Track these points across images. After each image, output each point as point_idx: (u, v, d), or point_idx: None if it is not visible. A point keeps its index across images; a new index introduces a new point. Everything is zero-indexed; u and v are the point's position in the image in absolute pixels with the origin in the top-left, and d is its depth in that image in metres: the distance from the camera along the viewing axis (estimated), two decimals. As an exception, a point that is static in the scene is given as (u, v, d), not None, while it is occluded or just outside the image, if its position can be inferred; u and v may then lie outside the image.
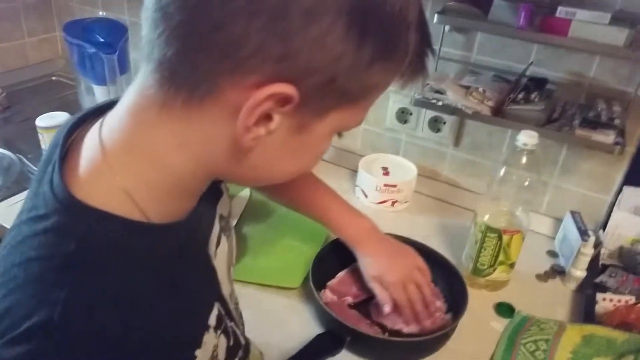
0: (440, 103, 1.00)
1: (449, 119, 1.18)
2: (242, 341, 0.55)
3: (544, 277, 1.02)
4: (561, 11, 0.90)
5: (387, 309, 0.83)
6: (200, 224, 0.50)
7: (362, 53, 0.37)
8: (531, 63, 1.03)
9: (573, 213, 1.07)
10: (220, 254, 0.54)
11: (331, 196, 0.88)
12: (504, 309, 0.92)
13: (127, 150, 0.41)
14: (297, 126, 0.40)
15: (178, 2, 0.36)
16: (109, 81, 1.26)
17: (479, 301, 0.93)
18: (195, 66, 0.37)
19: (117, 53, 1.24)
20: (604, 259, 1.03)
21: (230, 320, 0.52)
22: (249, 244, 1.01)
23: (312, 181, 0.89)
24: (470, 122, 1.16)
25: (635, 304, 0.88)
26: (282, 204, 0.95)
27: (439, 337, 0.81)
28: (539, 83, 0.99)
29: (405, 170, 1.21)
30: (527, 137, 0.84)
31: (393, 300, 0.83)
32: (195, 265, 0.48)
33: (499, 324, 0.89)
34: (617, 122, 0.93)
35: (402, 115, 1.24)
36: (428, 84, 1.05)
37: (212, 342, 0.47)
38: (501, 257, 0.92)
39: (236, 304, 0.63)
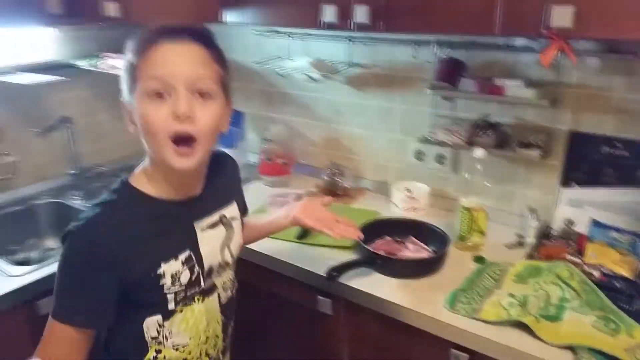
0: (433, 139, 1.65)
1: (449, 155, 1.81)
2: (203, 285, 0.98)
3: (510, 246, 1.58)
4: (498, 81, 1.55)
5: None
6: (194, 207, 0.97)
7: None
8: (488, 114, 1.66)
9: (530, 208, 1.64)
10: (213, 233, 1.00)
11: (262, 220, 1.34)
12: (479, 259, 1.49)
13: (152, 169, 0.92)
14: None
15: None
16: (234, 145, 2.01)
17: (464, 256, 1.51)
18: None
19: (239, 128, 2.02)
20: (553, 235, 1.58)
21: (200, 267, 0.96)
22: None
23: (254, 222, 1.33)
24: (463, 154, 1.78)
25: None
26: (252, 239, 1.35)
27: (433, 260, 1.42)
28: (493, 125, 1.62)
29: (422, 189, 1.83)
30: (477, 151, 1.47)
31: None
32: (179, 226, 0.96)
33: (474, 266, 1.46)
34: (540, 143, 1.53)
35: (420, 155, 1.88)
36: (430, 131, 1.71)
37: (177, 267, 0.92)
38: (474, 227, 1.50)
39: (232, 279, 1.08)
